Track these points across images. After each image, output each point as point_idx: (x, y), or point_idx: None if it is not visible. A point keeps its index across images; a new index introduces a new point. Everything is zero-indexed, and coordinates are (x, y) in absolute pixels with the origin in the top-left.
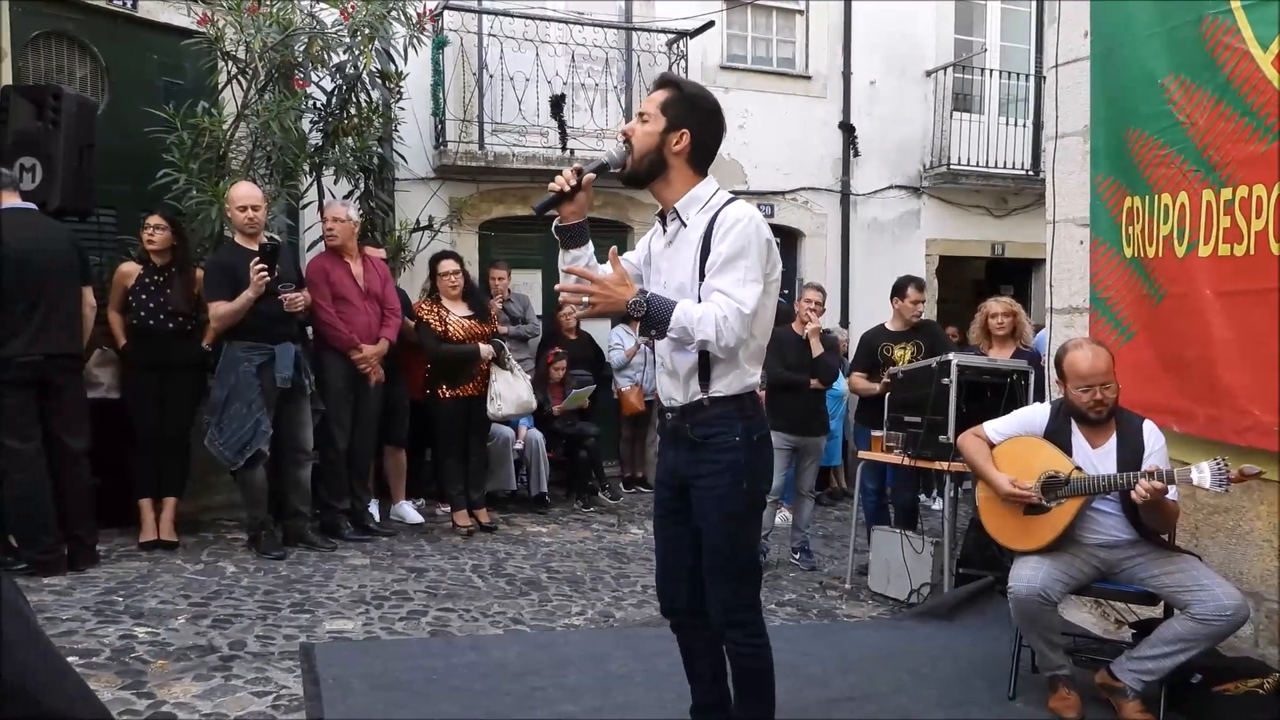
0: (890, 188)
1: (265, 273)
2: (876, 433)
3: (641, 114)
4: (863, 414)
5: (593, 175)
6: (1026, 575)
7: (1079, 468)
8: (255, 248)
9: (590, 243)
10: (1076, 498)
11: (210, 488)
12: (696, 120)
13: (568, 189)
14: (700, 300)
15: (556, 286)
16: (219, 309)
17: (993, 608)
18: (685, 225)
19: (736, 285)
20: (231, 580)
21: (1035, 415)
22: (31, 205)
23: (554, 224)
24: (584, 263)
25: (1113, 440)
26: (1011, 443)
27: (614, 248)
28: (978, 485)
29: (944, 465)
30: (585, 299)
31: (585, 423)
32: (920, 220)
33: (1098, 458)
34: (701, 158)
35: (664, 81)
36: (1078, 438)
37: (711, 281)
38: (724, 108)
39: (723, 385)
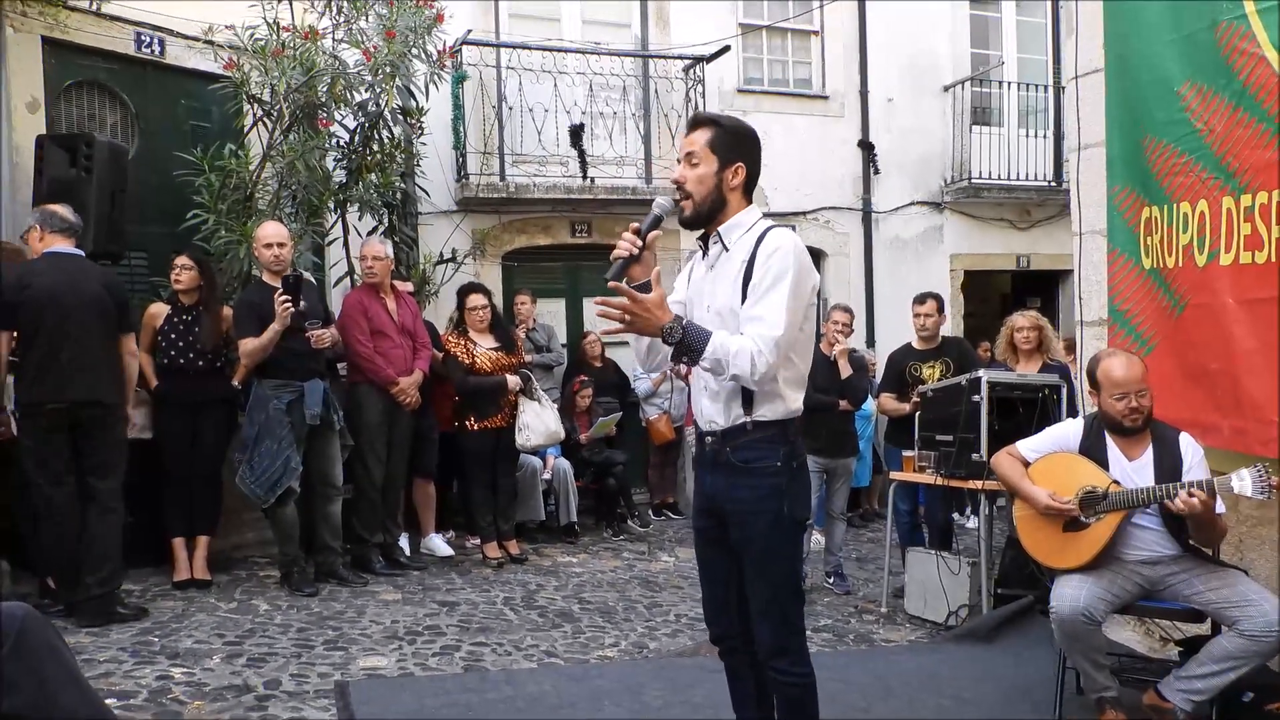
0: (912, 204)
1: (289, 303)
2: (908, 453)
3: (689, 156)
4: (893, 434)
5: (656, 232)
6: (1069, 594)
7: (1116, 481)
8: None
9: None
10: (1116, 512)
11: (242, 525)
12: (746, 151)
13: (635, 251)
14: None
15: (595, 301)
16: (248, 345)
17: (1034, 628)
18: (727, 250)
19: (773, 311)
20: (265, 618)
21: (1069, 431)
22: (78, 251)
23: (610, 282)
24: None
25: (1149, 452)
26: (1047, 460)
27: (656, 269)
28: (1014, 503)
29: (978, 484)
30: (625, 316)
31: (613, 450)
32: (943, 235)
33: (1135, 470)
34: (751, 186)
35: (702, 121)
36: (1113, 451)
37: (749, 310)
38: None
39: (766, 410)
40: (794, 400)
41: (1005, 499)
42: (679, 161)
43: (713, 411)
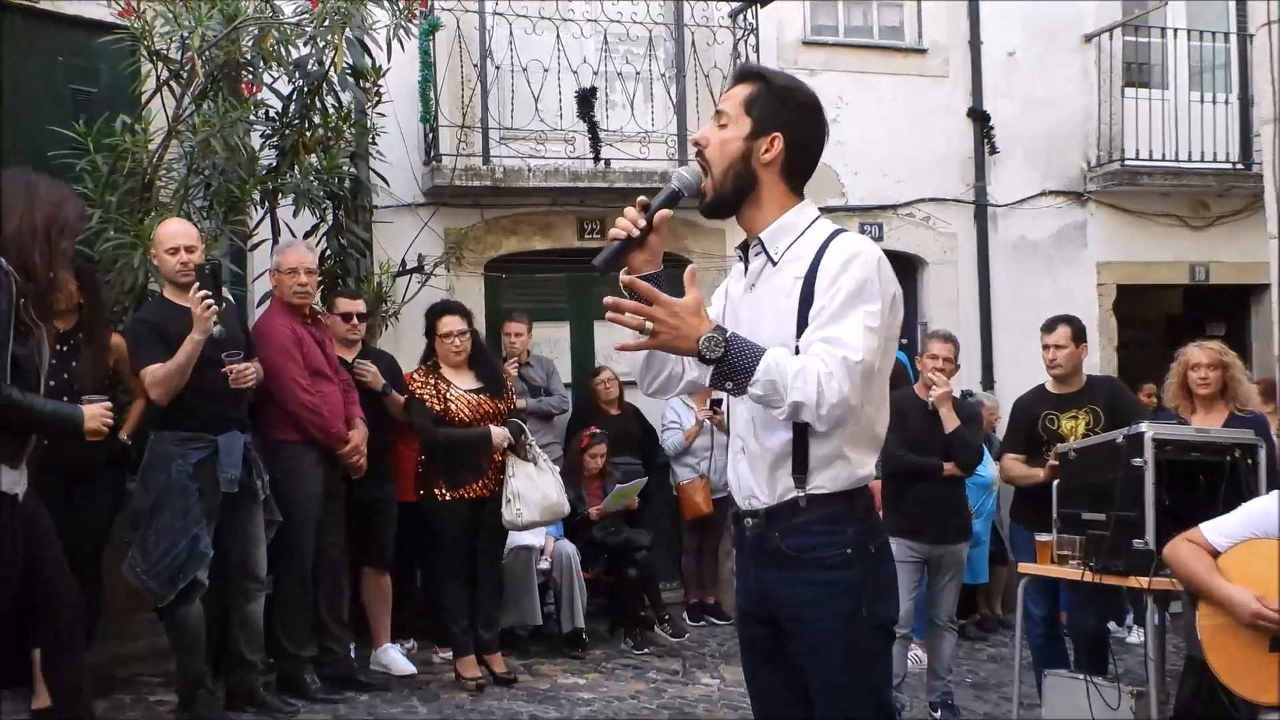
0: (1043, 194)
1: (210, 301)
2: (1043, 537)
3: (718, 115)
4: (1021, 510)
5: (667, 211)
6: None
7: None
8: (187, 302)
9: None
10: None
11: (130, 630)
12: (790, 120)
13: (636, 233)
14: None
15: (607, 301)
16: (158, 371)
17: None
18: (774, 263)
19: (851, 334)
20: None
21: (1272, 508)
22: None
23: (622, 277)
24: None
25: None
26: (1243, 549)
27: (692, 266)
28: (1198, 609)
29: (1142, 581)
30: (647, 324)
31: (634, 530)
32: (1087, 237)
33: None
34: (798, 171)
35: (745, 74)
36: None
37: (814, 333)
38: None
39: (826, 477)
40: (863, 464)
41: (1183, 603)
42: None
43: (751, 481)
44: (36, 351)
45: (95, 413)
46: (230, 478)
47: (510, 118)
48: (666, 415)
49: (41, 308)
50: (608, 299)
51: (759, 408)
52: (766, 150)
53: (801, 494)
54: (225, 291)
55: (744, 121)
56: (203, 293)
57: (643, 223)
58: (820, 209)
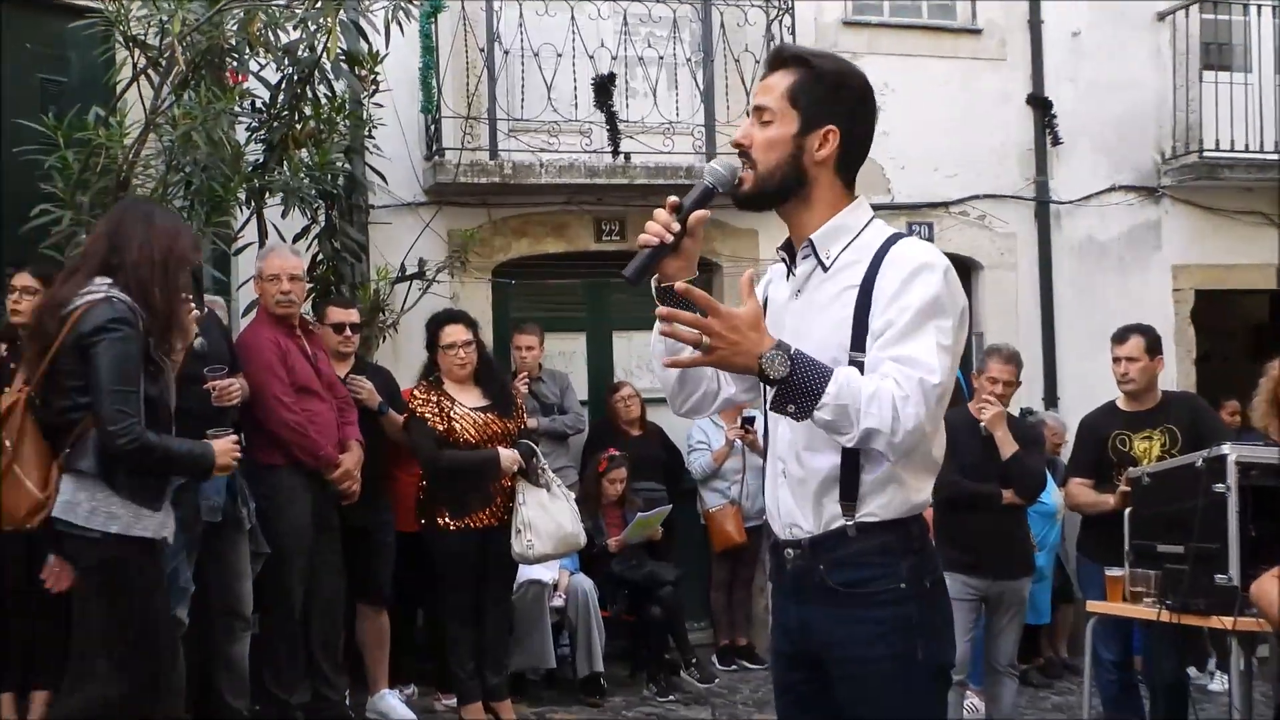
0: (1112, 189)
1: (192, 306)
2: (1113, 571)
3: (759, 112)
4: (1089, 542)
5: (703, 213)
6: None
7: None
8: None
9: None
10: None
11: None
12: (844, 111)
13: (669, 238)
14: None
15: (659, 312)
16: None
17: None
18: (826, 268)
19: (926, 353)
20: None
21: None
22: None
23: (655, 286)
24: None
25: None
26: None
27: (749, 272)
28: None
29: (1225, 621)
30: (705, 339)
31: (658, 563)
32: (1161, 237)
33: None
34: (851, 166)
35: (784, 59)
36: None
37: (889, 349)
38: None
39: (878, 504)
40: (919, 489)
41: (1271, 645)
42: (747, 115)
43: (794, 509)
44: (166, 390)
45: (225, 448)
46: (212, 505)
47: (520, 108)
48: (693, 435)
49: (164, 344)
50: (660, 309)
51: (801, 426)
52: (820, 147)
53: (850, 522)
54: (212, 300)
55: (790, 116)
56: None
57: (676, 226)
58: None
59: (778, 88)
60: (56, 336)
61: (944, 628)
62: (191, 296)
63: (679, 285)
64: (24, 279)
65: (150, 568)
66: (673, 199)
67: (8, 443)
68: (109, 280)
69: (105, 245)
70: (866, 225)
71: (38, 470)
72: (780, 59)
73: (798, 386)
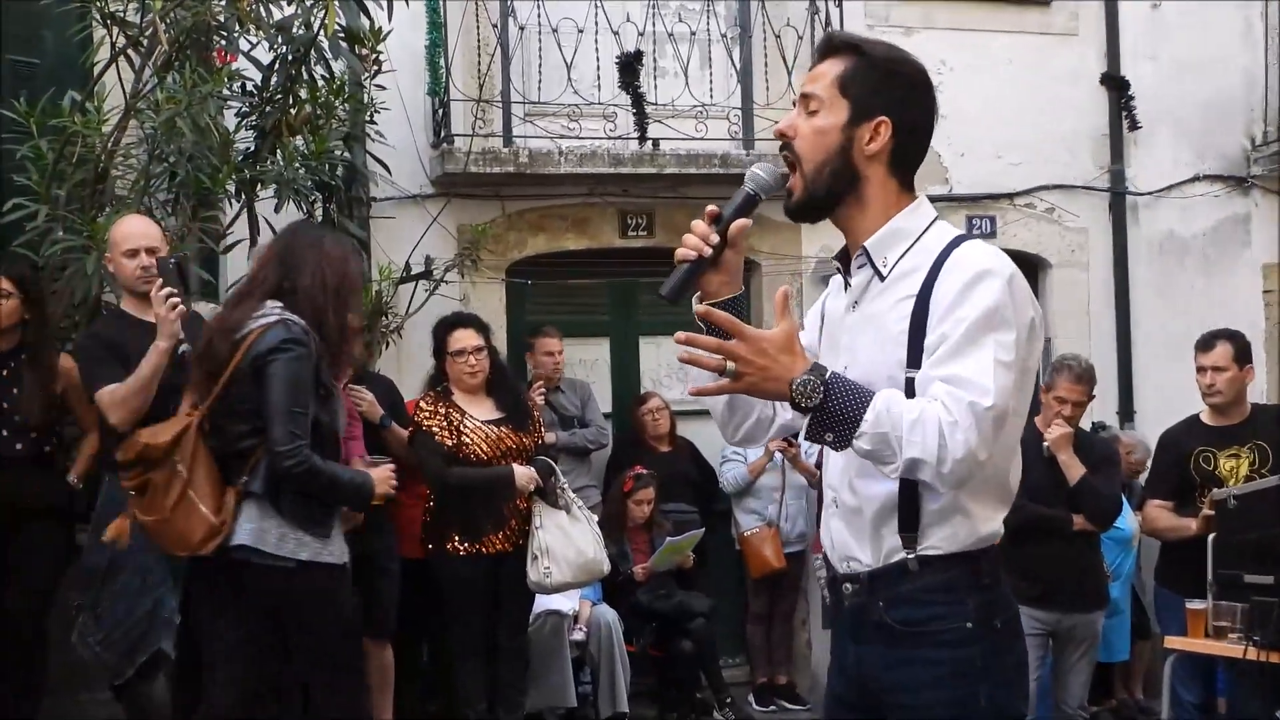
0: (1196, 179)
1: (178, 300)
2: (1195, 604)
3: (805, 100)
4: (1168, 571)
5: (744, 221)
6: None
7: None
8: (151, 316)
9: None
10: None
11: (78, 712)
12: (897, 100)
13: (708, 252)
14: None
15: (678, 337)
16: (116, 393)
17: None
18: (882, 278)
19: (980, 372)
20: None
21: None
22: None
23: (695, 302)
24: None
25: None
26: None
27: (784, 289)
28: None
29: None
30: (728, 364)
31: (688, 593)
32: (1250, 232)
33: None
34: (907, 162)
35: (834, 46)
36: None
37: (938, 368)
38: None
39: (941, 536)
40: (988, 519)
41: None
42: (794, 106)
43: (849, 541)
44: (335, 417)
45: (383, 476)
46: None
47: (537, 90)
48: (727, 448)
49: (336, 368)
50: (679, 335)
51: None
52: (871, 139)
53: (911, 555)
54: (199, 305)
55: (840, 105)
56: (167, 290)
57: (715, 238)
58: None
59: (827, 75)
60: (229, 362)
61: (1015, 674)
62: (176, 293)
63: (699, 308)
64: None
65: (342, 589)
66: (711, 208)
67: (182, 468)
68: (280, 304)
69: (277, 270)
70: (927, 228)
71: (211, 496)
72: (831, 46)
73: (834, 413)
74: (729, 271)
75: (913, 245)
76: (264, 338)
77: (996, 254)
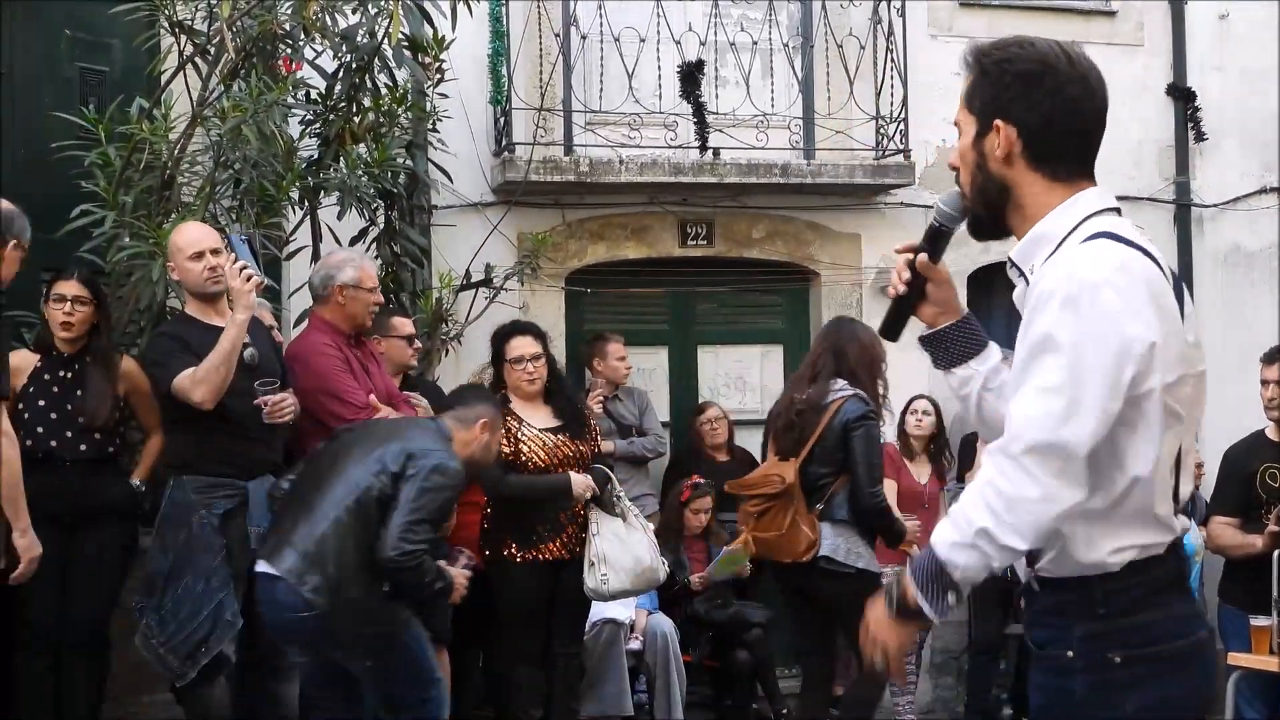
0: (1262, 191)
1: (252, 272)
2: (1260, 620)
3: (955, 126)
4: (1233, 588)
5: (923, 257)
6: None
7: None
8: (219, 321)
9: (992, 346)
10: None
11: (141, 713)
12: (1012, 98)
13: (901, 289)
14: None
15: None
16: (198, 372)
17: None
18: (1030, 284)
19: (1026, 405)
20: None
21: None
22: None
23: (919, 335)
24: (978, 384)
25: None
26: None
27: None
28: None
29: None
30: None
31: (746, 603)
32: None
33: None
34: (1049, 155)
35: (965, 62)
36: None
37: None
38: None
39: (1048, 559)
40: (1104, 543)
41: None
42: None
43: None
44: None
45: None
46: (262, 532)
47: (599, 99)
48: None
49: None
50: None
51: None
52: (996, 146)
53: (1032, 573)
54: (259, 309)
55: (969, 122)
56: (241, 263)
57: (907, 274)
58: None
59: (960, 96)
60: (817, 426)
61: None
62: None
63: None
64: (72, 287)
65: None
66: (909, 243)
67: (798, 502)
68: (844, 381)
69: (832, 358)
70: (1076, 228)
71: (805, 520)
72: (965, 63)
73: (924, 586)
74: (939, 302)
75: (1055, 250)
76: (845, 408)
77: (1098, 259)
